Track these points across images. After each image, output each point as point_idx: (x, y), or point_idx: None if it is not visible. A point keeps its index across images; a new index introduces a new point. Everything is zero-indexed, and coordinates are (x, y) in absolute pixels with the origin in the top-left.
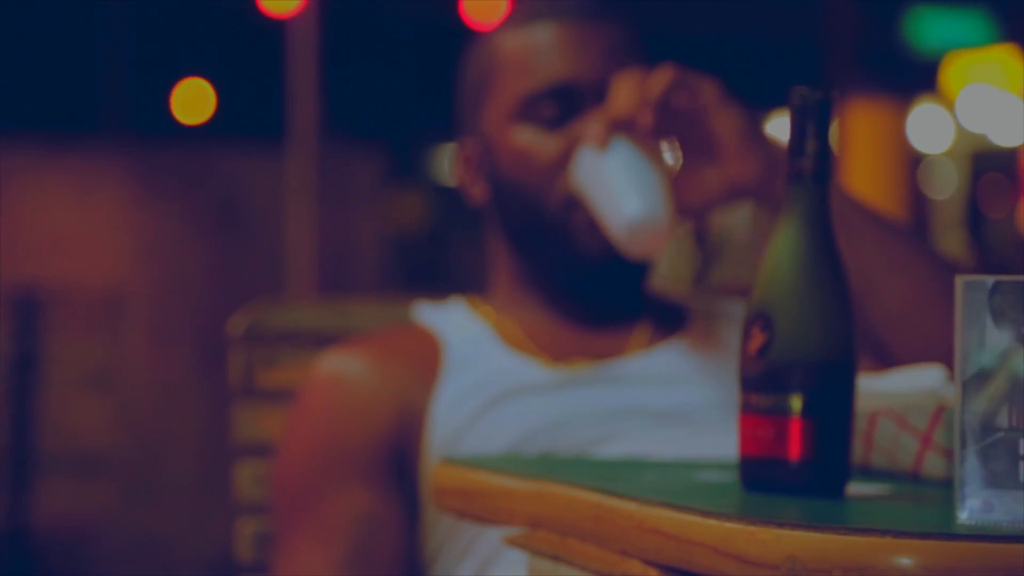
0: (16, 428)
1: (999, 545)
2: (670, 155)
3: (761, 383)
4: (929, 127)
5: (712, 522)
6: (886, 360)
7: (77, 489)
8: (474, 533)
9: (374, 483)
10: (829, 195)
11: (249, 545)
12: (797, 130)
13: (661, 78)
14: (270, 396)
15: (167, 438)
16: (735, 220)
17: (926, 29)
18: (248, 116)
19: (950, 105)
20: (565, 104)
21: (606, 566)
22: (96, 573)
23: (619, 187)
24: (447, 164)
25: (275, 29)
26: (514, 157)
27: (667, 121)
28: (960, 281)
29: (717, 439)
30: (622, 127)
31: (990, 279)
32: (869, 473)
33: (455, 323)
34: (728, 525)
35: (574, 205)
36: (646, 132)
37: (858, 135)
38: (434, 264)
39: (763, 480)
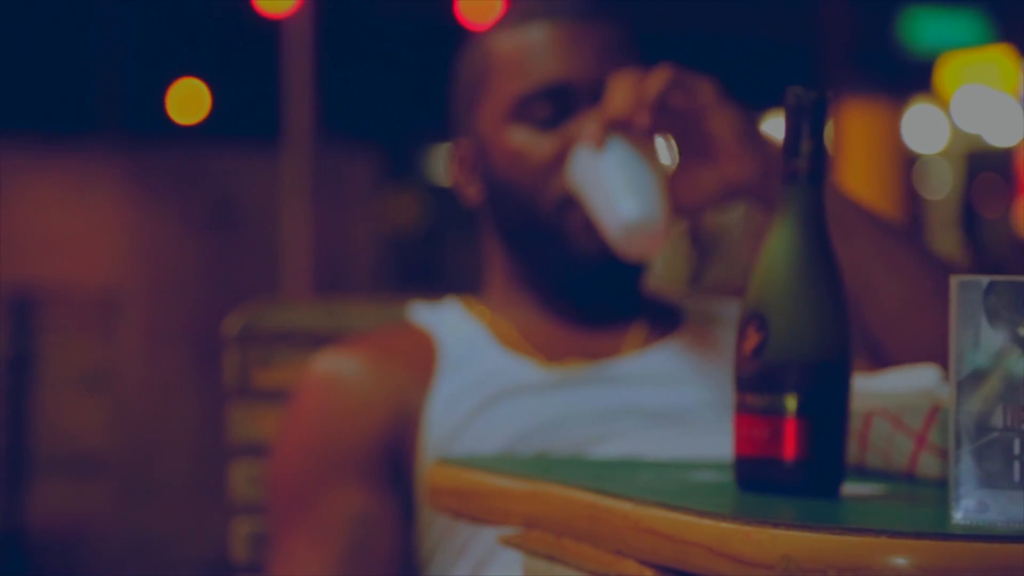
0: (12, 428)
1: (994, 545)
2: (667, 154)
3: (756, 383)
4: (924, 127)
5: (707, 522)
6: (881, 360)
7: (73, 489)
8: (469, 533)
9: (369, 483)
10: (824, 195)
11: (244, 545)
12: (792, 130)
13: (659, 78)
14: (265, 396)
15: (163, 438)
16: (730, 220)
17: (921, 29)
18: (243, 116)
19: (945, 105)
20: (559, 104)
21: (601, 566)
22: (92, 573)
23: (615, 187)
24: (442, 164)
25: (270, 29)
26: (508, 157)
27: (664, 121)
28: (955, 281)
29: (712, 439)
30: (619, 127)
31: (985, 279)
32: (864, 473)
33: (450, 323)
34: (723, 525)
35: (569, 205)
36: (643, 132)
37: (853, 135)
38: (429, 264)
39: (758, 480)
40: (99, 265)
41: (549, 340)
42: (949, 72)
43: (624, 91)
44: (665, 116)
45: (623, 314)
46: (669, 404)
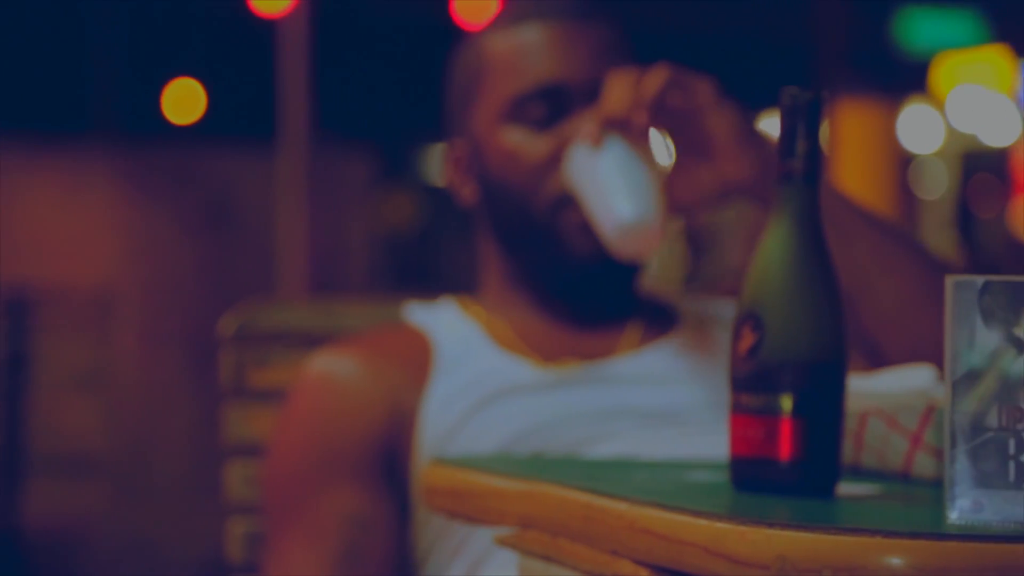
0: (7, 428)
1: (989, 545)
2: (664, 152)
3: (751, 383)
4: (919, 127)
5: (702, 522)
6: (876, 360)
7: (68, 489)
8: (465, 533)
9: (365, 483)
10: (819, 195)
11: (240, 545)
12: (787, 130)
13: (656, 77)
14: (261, 396)
15: (158, 438)
16: (726, 219)
17: (916, 29)
18: (239, 116)
19: (940, 105)
20: (554, 104)
21: (597, 566)
22: (87, 573)
23: (611, 187)
24: (437, 164)
25: (266, 29)
26: (503, 158)
27: (661, 120)
28: (950, 281)
29: (707, 439)
30: (616, 126)
31: (980, 279)
32: (859, 473)
33: (446, 323)
34: (718, 525)
35: (563, 205)
36: (640, 131)
37: (848, 135)
38: (424, 264)
39: (753, 480)
40: (95, 265)
41: (544, 340)
42: (944, 72)
43: (622, 90)
44: (662, 115)
45: (618, 314)
46: (664, 404)
